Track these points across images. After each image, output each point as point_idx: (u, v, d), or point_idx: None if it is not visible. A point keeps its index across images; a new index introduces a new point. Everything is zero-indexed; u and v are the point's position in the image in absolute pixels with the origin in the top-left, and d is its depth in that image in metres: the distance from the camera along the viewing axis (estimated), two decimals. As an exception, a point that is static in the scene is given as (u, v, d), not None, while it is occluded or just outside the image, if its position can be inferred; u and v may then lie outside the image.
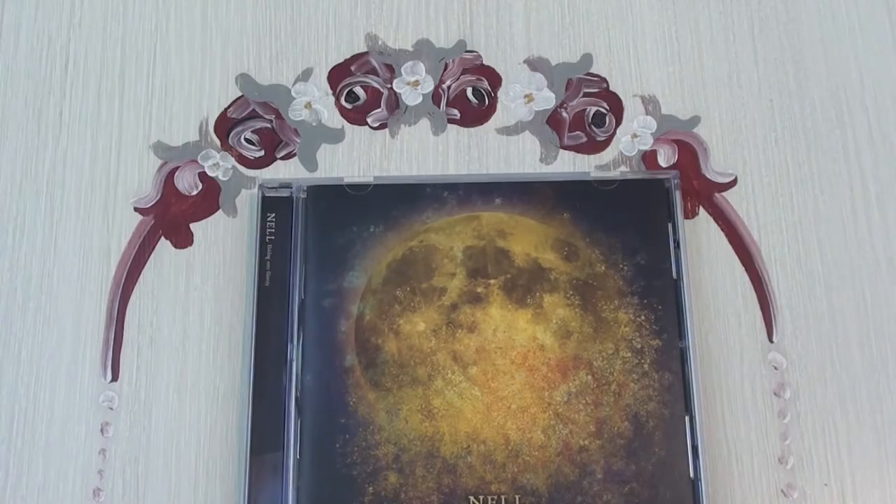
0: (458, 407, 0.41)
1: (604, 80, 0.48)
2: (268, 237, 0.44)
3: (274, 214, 0.44)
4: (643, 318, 0.42)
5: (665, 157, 0.46)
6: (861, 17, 0.50)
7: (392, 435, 0.41)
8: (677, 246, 0.43)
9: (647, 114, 0.47)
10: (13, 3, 0.49)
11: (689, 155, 0.47)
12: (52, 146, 0.47)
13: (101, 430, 0.43)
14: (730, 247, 0.45)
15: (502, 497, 0.40)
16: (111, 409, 0.44)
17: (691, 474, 0.40)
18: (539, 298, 0.43)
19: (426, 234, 0.44)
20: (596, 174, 0.45)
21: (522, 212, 0.44)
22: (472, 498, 0.40)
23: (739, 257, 0.45)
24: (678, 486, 0.40)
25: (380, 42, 0.48)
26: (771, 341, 0.44)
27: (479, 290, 0.43)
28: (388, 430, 0.41)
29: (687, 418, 0.41)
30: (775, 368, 0.44)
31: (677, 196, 0.44)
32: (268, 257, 0.43)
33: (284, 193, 0.44)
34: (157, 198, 0.46)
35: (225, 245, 0.45)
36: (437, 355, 0.42)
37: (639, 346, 0.42)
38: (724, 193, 0.46)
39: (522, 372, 0.42)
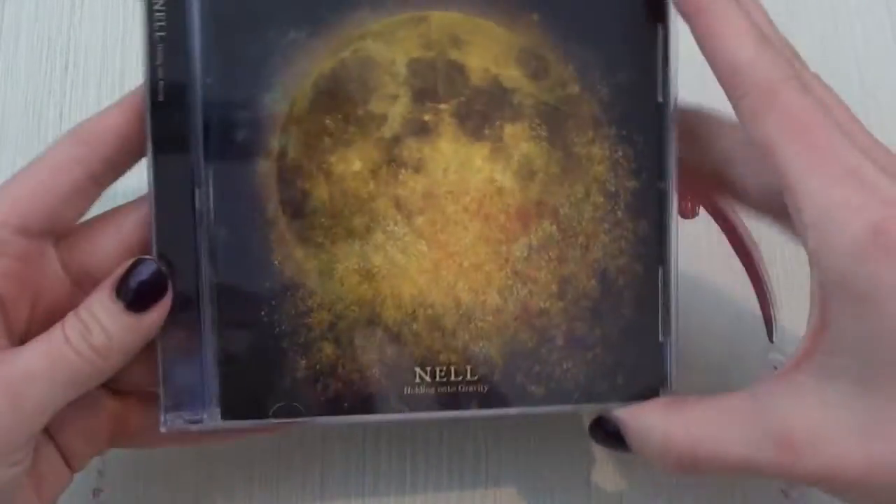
0: (401, 265, 0.37)
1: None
2: (157, 34, 0.35)
3: (162, 2, 0.35)
4: (621, 153, 0.38)
5: None
6: (861, 17, 0.52)
7: (326, 300, 0.36)
8: (666, 61, 0.38)
9: None
10: (13, 3, 0.50)
11: None
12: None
13: None
14: (730, 247, 0.44)
15: (451, 367, 0.37)
16: None
17: (660, 337, 0.38)
18: (499, 129, 0.37)
19: (361, 41, 0.37)
20: None
21: (482, 11, 0.37)
22: (418, 369, 0.37)
23: (740, 257, 0.43)
24: (646, 350, 0.38)
25: None
26: (771, 341, 0.43)
27: (426, 117, 0.37)
28: (320, 293, 0.36)
29: (660, 270, 0.38)
30: (775, 368, 0.45)
31: None
32: (158, 62, 0.35)
33: None
34: None
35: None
36: (377, 202, 0.37)
37: (613, 188, 0.38)
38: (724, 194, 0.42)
39: (476, 222, 0.37)
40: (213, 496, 0.44)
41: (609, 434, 0.38)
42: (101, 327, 0.33)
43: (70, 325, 0.33)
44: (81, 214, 0.36)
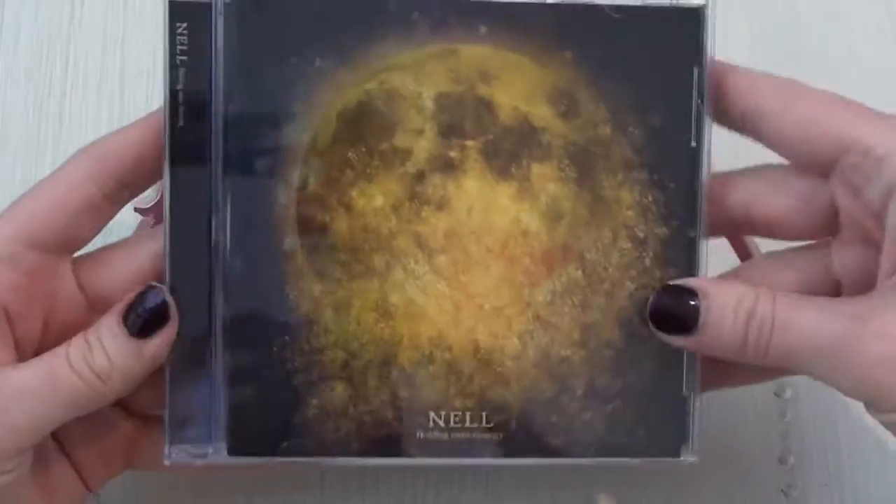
0: (420, 305, 0.36)
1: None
2: (178, 57, 0.34)
3: (185, 25, 0.34)
4: (650, 199, 0.37)
5: None
6: (861, 17, 0.51)
7: (341, 338, 0.35)
8: (701, 100, 0.36)
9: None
10: (13, 3, 0.50)
11: None
12: (52, 147, 0.48)
13: None
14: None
15: (467, 414, 0.36)
16: None
17: (684, 391, 0.36)
18: (526, 169, 0.36)
19: (388, 73, 0.36)
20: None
21: (514, 46, 0.36)
22: (432, 413, 0.36)
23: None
24: (669, 404, 0.36)
25: None
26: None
27: (452, 153, 0.36)
28: (335, 331, 0.35)
29: None
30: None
31: (708, 30, 0.36)
32: (179, 86, 0.34)
33: None
34: (157, 198, 0.43)
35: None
36: (398, 239, 0.36)
37: (642, 234, 0.37)
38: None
39: (500, 263, 0.36)
40: (214, 496, 0.43)
41: (679, 307, 0.36)
42: (104, 351, 0.33)
43: (75, 346, 0.33)
44: (96, 232, 0.36)
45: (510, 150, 0.36)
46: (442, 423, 0.36)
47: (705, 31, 0.36)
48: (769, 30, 0.50)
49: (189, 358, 0.35)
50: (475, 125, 0.36)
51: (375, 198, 0.36)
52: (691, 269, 0.37)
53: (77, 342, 0.33)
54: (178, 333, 0.34)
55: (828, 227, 0.36)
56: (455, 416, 0.36)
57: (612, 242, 0.37)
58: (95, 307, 0.36)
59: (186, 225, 0.35)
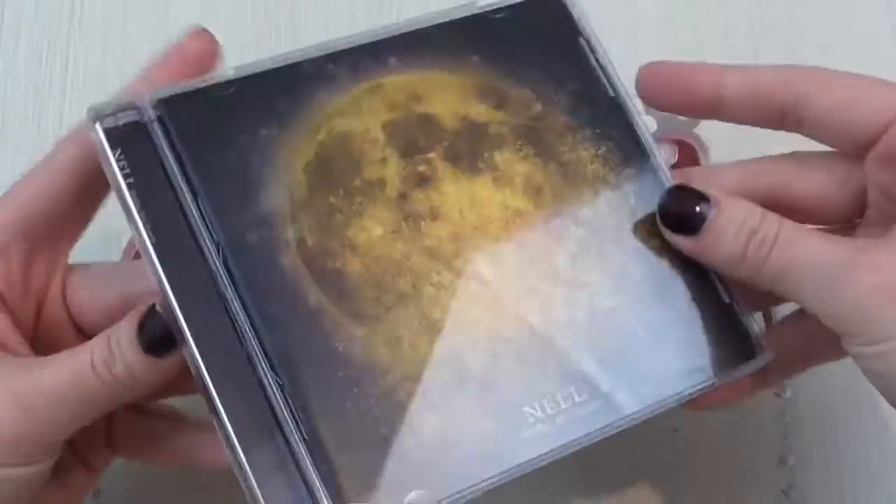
0: (462, 311, 0.35)
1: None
2: (126, 181, 0.33)
3: (120, 150, 0.33)
4: (604, 149, 0.39)
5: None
6: (861, 18, 0.52)
7: (406, 369, 0.33)
8: (599, 63, 0.39)
9: (646, 113, 0.43)
10: (13, 3, 0.50)
11: (689, 155, 0.47)
12: (52, 146, 0.46)
13: None
14: None
15: (557, 395, 0.34)
16: None
17: (725, 299, 0.37)
18: (490, 159, 0.37)
19: (330, 121, 0.36)
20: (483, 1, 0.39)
21: (427, 66, 0.38)
22: (527, 409, 0.34)
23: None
24: (719, 316, 0.37)
25: None
26: None
27: (421, 168, 0.36)
28: (398, 365, 0.33)
29: None
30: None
31: (577, 6, 0.40)
32: (141, 211, 0.33)
33: (130, 118, 0.33)
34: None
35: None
36: (412, 259, 0.35)
37: (614, 180, 0.38)
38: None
39: (511, 247, 0.36)
40: (214, 495, 0.42)
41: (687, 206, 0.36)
42: (124, 360, 0.32)
43: (98, 352, 0.33)
44: (88, 216, 0.37)
45: (469, 149, 0.37)
46: (540, 413, 0.34)
47: (573, 6, 0.40)
48: (770, 29, 0.51)
49: (265, 451, 0.31)
50: (428, 138, 0.37)
51: (374, 229, 0.35)
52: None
53: (100, 347, 0.33)
54: (245, 436, 0.31)
55: (859, 210, 0.37)
56: (548, 402, 0.34)
57: (594, 196, 0.38)
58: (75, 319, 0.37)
59: (210, 332, 0.32)
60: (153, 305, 0.33)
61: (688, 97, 0.38)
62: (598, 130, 0.39)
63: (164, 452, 0.38)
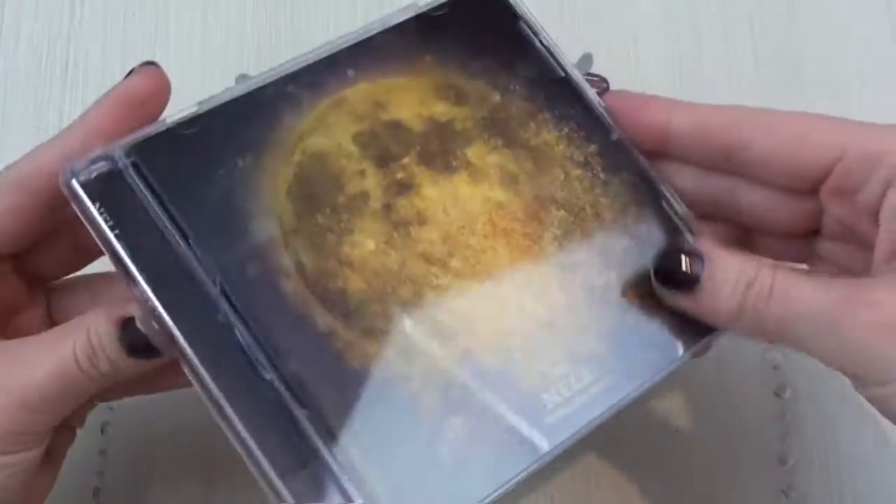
0: (467, 311, 0.35)
1: (604, 80, 0.44)
2: (113, 233, 0.32)
3: (99, 203, 0.32)
4: (566, 129, 0.39)
5: None
6: (861, 18, 0.52)
7: (427, 378, 0.34)
8: (544, 45, 0.40)
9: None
10: (13, 3, 0.50)
11: None
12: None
13: (101, 430, 0.43)
14: None
15: (570, 378, 0.35)
16: (111, 408, 0.44)
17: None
18: (462, 156, 0.37)
19: (302, 142, 0.36)
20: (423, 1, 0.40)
21: (383, 73, 0.38)
22: (544, 396, 0.35)
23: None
24: None
25: None
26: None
27: (399, 175, 0.36)
28: (417, 373, 0.34)
29: (658, 192, 0.39)
30: (775, 368, 0.46)
31: None
32: (135, 261, 0.32)
33: (103, 168, 0.33)
34: None
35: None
36: (408, 266, 0.35)
37: (581, 158, 0.39)
38: None
39: (501, 240, 0.37)
40: (214, 495, 0.42)
41: (680, 269, 0.36)
42: (108, 359, 0.33)
43: (80, 348, 0.33)
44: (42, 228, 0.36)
45: (440, 149, 0.37)
46: (558, 398, 0.35)
47: None
48: (770, 29, 0.51)
49: (307, 484, 0.31)
50: (399, 144, 0.37)
51: (366, 243, 0.35)
52: (636, 164, 0.39)
53: (81, 343, 0.33)
54: (293, 479, 0.31)
55: (812, 225, 0.38)
56: (562, 386, 0.35)
57: (566, 177, 0.38)
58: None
59: (224, 368, 0.32)
60: (132, 318, 0.33)
61: (639, 129, 0.39)
62: (556, 112, 0.39)
63: (141, 384, 0.37)
